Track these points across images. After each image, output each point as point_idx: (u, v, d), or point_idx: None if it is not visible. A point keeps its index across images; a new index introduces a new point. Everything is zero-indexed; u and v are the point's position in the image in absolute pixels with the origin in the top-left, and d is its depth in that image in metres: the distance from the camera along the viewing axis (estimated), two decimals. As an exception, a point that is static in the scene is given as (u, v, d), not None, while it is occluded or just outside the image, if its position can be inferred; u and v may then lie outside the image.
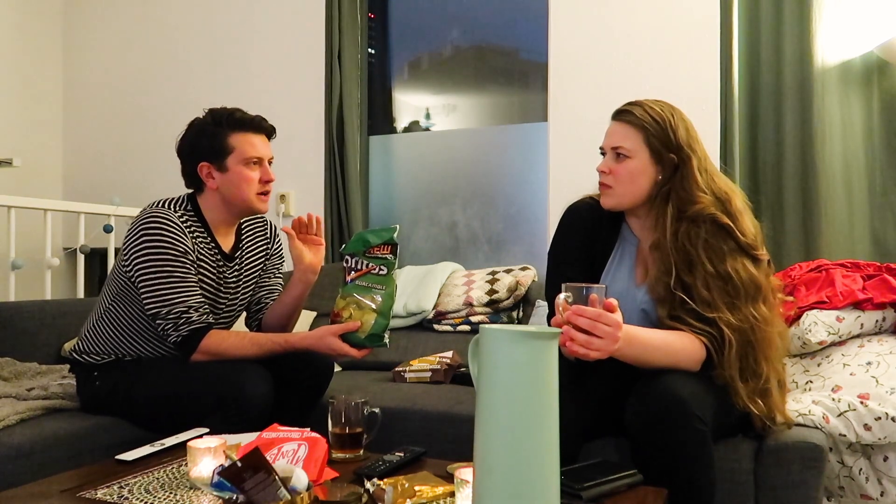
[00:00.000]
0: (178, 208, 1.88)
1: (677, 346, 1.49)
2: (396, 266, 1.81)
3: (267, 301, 2.07)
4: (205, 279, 1.88)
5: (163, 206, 1.87)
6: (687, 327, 1.50)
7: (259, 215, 2.05)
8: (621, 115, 1.62)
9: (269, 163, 1.93)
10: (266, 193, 1.92)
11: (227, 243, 1.96)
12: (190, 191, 1.95)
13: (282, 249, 2.13)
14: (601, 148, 1.65)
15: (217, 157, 1.87)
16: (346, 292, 1.81)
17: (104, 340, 1.90)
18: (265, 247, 2.07)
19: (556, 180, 2.99)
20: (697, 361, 1.50)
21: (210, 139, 1.87)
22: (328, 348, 1.79)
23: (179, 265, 1.80)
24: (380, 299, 1.78)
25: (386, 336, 1.80)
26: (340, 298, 1.82)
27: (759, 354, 1.52)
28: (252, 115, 1.91)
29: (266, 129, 1.93)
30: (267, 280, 2.09)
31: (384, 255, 1.79)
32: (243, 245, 2.01)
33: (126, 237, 1.85)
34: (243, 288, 2.01)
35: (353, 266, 1.81)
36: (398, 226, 1.83)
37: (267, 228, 2.09)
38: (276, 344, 1.82)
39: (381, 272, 1.79)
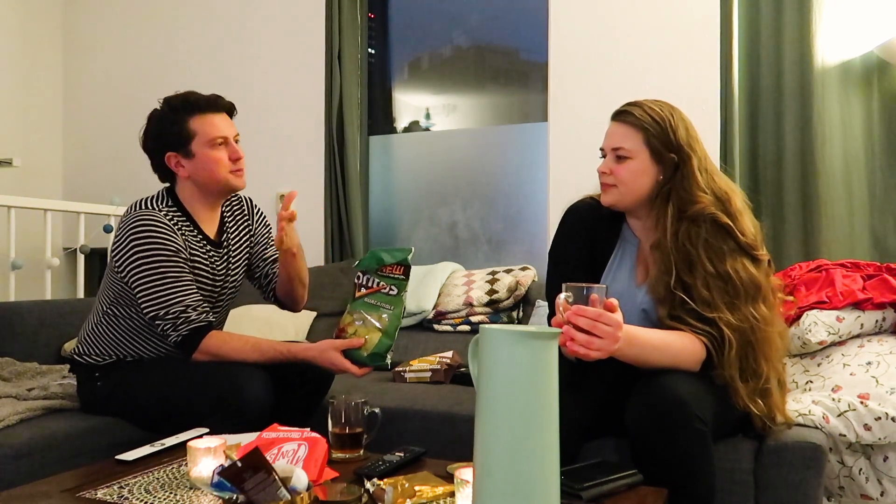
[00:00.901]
0: (160, 205, 1.87)
1: (677, 346, 1.49)
2: (407, 288, 1.79)
3: (274, 271, 2.07)
4: (199, 271, 1.87)
5: (146, 206, 1.86)
6: (687, 327, 1.50)
7: (236, 197, 2.04)
8: (621, 115, 1.62)
9: (236, 140, 1.90)
10: (240, 170, 1.90)
11: (212, 230, 1.95)
12: (167, 185, 1.94)
13: (264, 219, 2.12)
14: (601, 149, 1.65)
15: (181, 145, 1.85)
16: (354, 308, 1.79)
17: (105, 342, 1.90)
18: (247, 224, 2.06)
19: (556, 180, 2.99)
20: (697, 361, 1.50)
21: (171, 127, 1.85)
22: (329, 362, 1.78)
23: (172, 265, 1.79)
24: (387, 319, 1.76)
25: (389, 356, 1.78)
26: (347, 314, 1.80)
27: (759, 354, 1.52)
28: (207, 95, 1.87)
29: (225, 107, 1.89)
30: (264, 251, 2.09)
31: (396, 276, 1.77)
32: (227, 228, 2.00)
33: (115, 241, 1.84)
34: (233, 271, 2.00)
35: (363, 283, 1.79)
36: (413, 248, 1.81)
37: (244, 205, 2.08)
38: (278, 352, 1.81)
39: (391, 292, 1.77)
